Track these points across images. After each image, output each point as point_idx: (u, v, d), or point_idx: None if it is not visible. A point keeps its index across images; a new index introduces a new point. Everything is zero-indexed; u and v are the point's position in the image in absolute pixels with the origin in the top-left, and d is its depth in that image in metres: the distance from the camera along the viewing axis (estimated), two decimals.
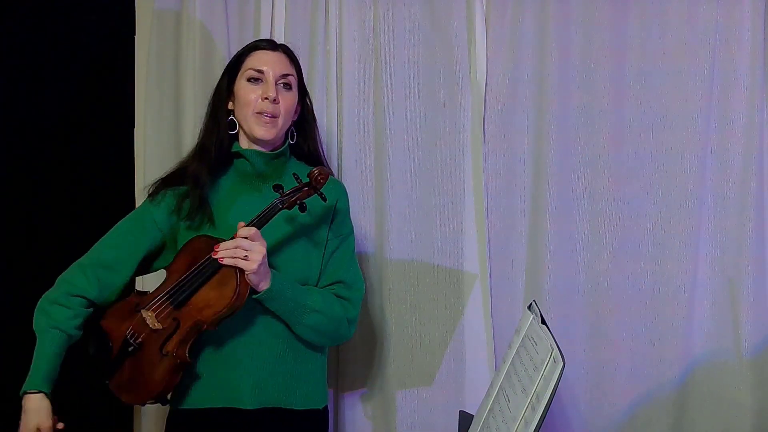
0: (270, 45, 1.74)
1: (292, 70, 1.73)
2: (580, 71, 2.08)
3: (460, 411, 1.73)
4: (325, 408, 1.78)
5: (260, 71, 1.69)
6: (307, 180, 1.61)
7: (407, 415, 2.14)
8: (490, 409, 1.46)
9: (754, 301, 2.02)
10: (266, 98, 1.67)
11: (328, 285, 1.73)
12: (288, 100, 1.70)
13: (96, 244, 1.71)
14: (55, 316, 1.64)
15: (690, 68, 2.04)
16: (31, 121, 2.21)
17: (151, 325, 1.60)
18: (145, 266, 1.74)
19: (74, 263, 1.70)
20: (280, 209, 1.60)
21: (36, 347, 1.64)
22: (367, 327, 2.16)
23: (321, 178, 1.60)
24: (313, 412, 1.74)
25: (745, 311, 2.02)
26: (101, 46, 2.27)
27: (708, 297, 2.06)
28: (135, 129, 2.23)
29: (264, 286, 1.58)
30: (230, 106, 1.73)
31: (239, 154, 1.73)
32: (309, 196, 1.62)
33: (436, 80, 2.13)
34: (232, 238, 1.56)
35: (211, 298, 1.57)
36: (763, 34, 2.01)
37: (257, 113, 1.68)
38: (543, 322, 1.40)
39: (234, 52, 2.16)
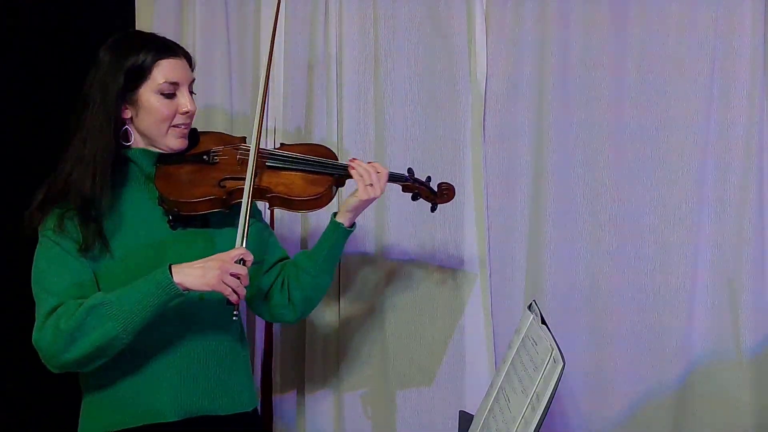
0: (175, 50, 1.57)
1: (193, 75, 1.61)
2: (579, 71, 2.08)
3: (460, 411, 1.73)
4: (255, 410, 1.70)
5: (175, 84, 1.54)
6: (436, 190, 1.76)
7: (407, 415, 2.14)
8: (490, 409, 1.46)
9: (754, 301, 2.02)
10: (186, 112, 1.56)
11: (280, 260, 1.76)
12: (195, 107, 1.59)
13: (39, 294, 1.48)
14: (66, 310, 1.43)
15: (690, 69, 2.04)
16: (29, 122, 2.21)
17: (237, 158, 1.64)
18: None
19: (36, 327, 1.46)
20: (408, 180, 1.72)
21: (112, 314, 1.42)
22: (367, 327, 2.16)
23: (447, 197, 1.77)
24: (241, 415, 1.63)
25: (745, 312, 2.02)
26: (101, 46, 2.26)
27: (708, 297, 2.06)
28: None
29: (351, 221, 1.68)
30: (126, 114, 1.54)
31: (125, 158, 1.56)
32: (427, 198, 1.76)
33: (436, 80, 2.13)
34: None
35: (296, 184, 1.64)
36: (763, 35, 2.01)
37: (174, 127, 1.56)
38: (543, 322, 1.40)
39: (234, 52, 2.19)
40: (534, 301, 1.55)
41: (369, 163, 1.68)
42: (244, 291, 1.46)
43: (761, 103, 2.01)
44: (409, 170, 1.76)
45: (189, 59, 1.61)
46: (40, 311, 1.46)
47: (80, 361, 1.44)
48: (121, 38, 1.58)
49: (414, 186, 1.74)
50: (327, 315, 2.16)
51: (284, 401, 2.22)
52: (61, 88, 2.24)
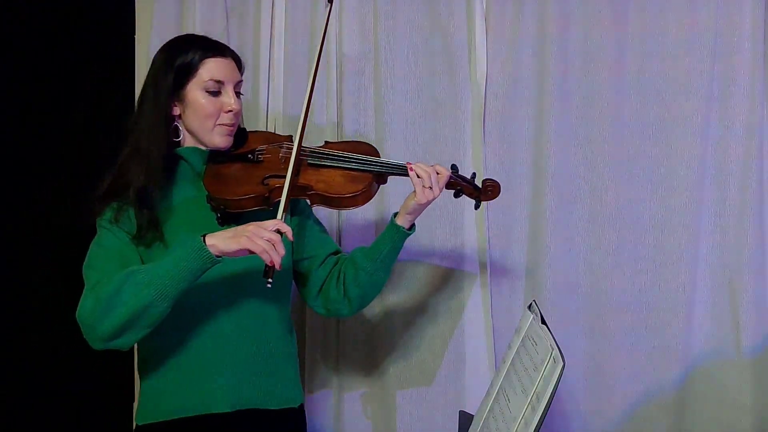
0: (223, 50, 1.64)
1: (240, 76, 1.67)
2: (579, 71, 2.08)
3: (460, 411, 1.73)
4: (301, 406, 1.74)
5: (220, 82, 1.60)
6: (480, 186, 1.73)
7: (407, 415, 2.14)
8: (490, 409, 1.46)
9: (754, 301, 2.02)
10: (230, 111, 1.61)
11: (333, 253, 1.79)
12: (241, 107, 1.65)
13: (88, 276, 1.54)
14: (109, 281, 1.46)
15: (690, 68, 2.04)
16: (29, 122, 2.21)
17: (280, 156, 1.67)
18: None
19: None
20: (451, 177, 1.69)
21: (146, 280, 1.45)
22: (367, 327, 2.16)
23: (492, 194, 1.73)
24: (290, 411, 1.69)
25: (745, 311, 2.02)
26: (101, 46, 2.27)
27: (708, 297, 2.06)
28: None
29: (411, 222, 1.69)
30: (175, 111, 1.61)
31: (177, 156, 1.64)
32: (470, 195, 1.74)
33: (436, 80, 2.13)
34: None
35: (335, 181, 1.65)
36: (763, 34, 2.01)
37: (219, 125, 1.62)
38: (543, 322, 1.40)
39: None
40: (534, 301, 1.55)
41: (432, 165, 1.67)
42: (279, 257, 1.44)
43: (761, 102, 2.01)
44: (453, 166, 1.74)
45: (238, 61, 1.67)
46: (86, 287, 1.50)
47: (117, 331, 1.46)
48: (174, 39, 1.67)
49: (457, 182, 1.71)
50: (326, 315, 2.16)
51: None
52: (61, 88, 2.25)
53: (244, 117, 2.19)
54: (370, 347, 2.17)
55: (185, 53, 1.59)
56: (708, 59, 2.03)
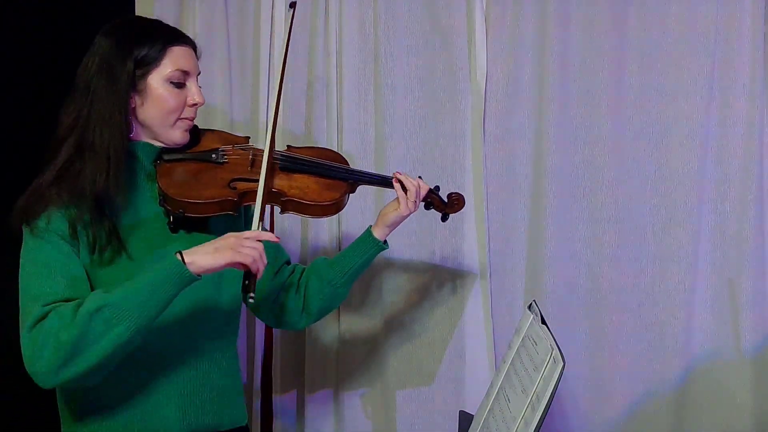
0: (185, 37, 1.49)
1: (199, 66, 1.52)
2: (579, 71, 2.08)
3: (460, 411, 1.73)
4: (247, 426, 1.62)
5: (186, 73, 1.45)
6: (446, 200, 1.73)
7: (407, 415, 2.14)
8: (490, 409, 1.46)
9: (754, 301, 2.02)
10: (194, 104, 1.47)
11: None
12: (203, 99, 1.51)
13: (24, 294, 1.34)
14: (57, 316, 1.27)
15: (690, 68, 2.04)
16: (29, 122, 2.21)
17: (247, 159, 1.54)
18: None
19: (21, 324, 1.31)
20: (427, 194, 1.69)
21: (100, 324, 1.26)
22: (367, 327, 2.16)
23: (457, 206, 1.74)
24: (239, 429, 1.57)
25: (745, 311, 2.02)
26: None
27: (708, 297, 2.06)
28: None
29: (387, 235, 1.66)
30: (132, 103, 1.43)
31: (128, 153, 1.43)
32: (437, 208, 1.73)
33: (436, 80, 2.13)
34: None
35: (310, 188, 1.56)
36: (763, 34, 2.01)
37: (182, 119, 1.47)
38: (543, 322, 1.40)
39: (234, 52, 2.18)
40: (534, 301, 1.55)
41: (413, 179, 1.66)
42: (263, 267, 1.33)
43: (761, 102, 2.01)
44: (419, 178, 1.70)
45: (195, 49, 1.52)
46: (25, 323, 1.29)
47: (85, 374, 1.28)
48: (125, 23, 1.48)
49: (429, 195, 1.70)
50: (327, 315, 2.16)
51: (284, 401, 2.22)
52: (60, 87, 2.25)
53: (244, 117, 2.21)
54: (370, 347, 2.17)
55: (145, 39, 1.42)
56: (708, 59, 2.03)
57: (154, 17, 2.16)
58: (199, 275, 1.31)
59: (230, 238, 1.33)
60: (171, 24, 2.16)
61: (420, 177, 1.71)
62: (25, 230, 1.38)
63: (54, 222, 1.36)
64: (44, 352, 1.26)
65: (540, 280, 2.10)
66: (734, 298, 2.03)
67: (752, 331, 2.02)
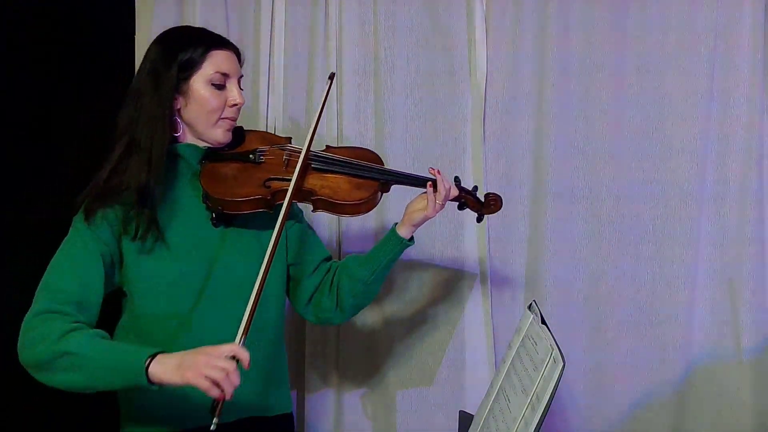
0: (226, 43, 1.59)
1: (241, 70, 1.63)
2: (579, 72, 2.08)
3: (460, 411, 1.73)
4: (292, 413, 1.72)
5: (226, 75, 1.56)
6: (483, 200, 1.72)
7: (407, 415, 2.14)
8: (490, 409, 1.46)
9: (754, 301, 2.02)
10: (234, 105, 1.57)
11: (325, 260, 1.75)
12: (243, 99, 1.61)
13: (45, 281, 1.46)
14: (52, 326, 1.38)
15: (690, 67, 2.04)
16: (30, 122, 2.21)
17: (284, 159, 1.63)
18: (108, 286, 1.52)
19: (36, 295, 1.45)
20: (462, 194, 1.68)
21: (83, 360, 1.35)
22: (367, 327, 2.16)
23: (494, 207, 1.73)
24: (284, 416, 1.67)
25: (745, 311, 2.03)
26: (101, 46, 2.26)
27: (708, 297, 2.06)
28: None
29: (412, 233, 1.68)
30: (177, 104, 1.54)
31: (175, 153, 1.57)
32: (473, 208, 1.72)
33: (436, 80, 2.13)
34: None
35: (341, 187, 1.62)
36: (763, 34, 2.01)
37: (223, 119, 1.57)
38: (543, 322, 1.40)
39: None
40: (534, 301, 1.55)
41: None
42: (231, 389, 1.29)
43: (761, 103, 2.02)
44: (456, 178, 1.71)
45: (239, 54, 1.62)
46: (34, 305, 1.42)
47: (48, 384, 1.40)
48: (172, 31, 1.61)
49: (461, 195, 1.70)
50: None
51: None
52: (61, 87, 2.25)
53: (245, 117, 2.20)
54: (370, 347, 2.17)
55: (189, 44, 1.54)
56: (708, 61, 2.03)
57: (155, 17, 2.17)
58: (156, 384, 1.32)
59: (201, 355, 1.31)
60: (171, 24, 2.18)
61: (457, 177, 1.72)
62: (75, 223, 1.50)
63: (104, 220, 1.48)
64: (26, 349, 1.39)
65: (540, 280, 2.10)
66: (734, 298, 2.03)
67: (752, 331, 2.02)
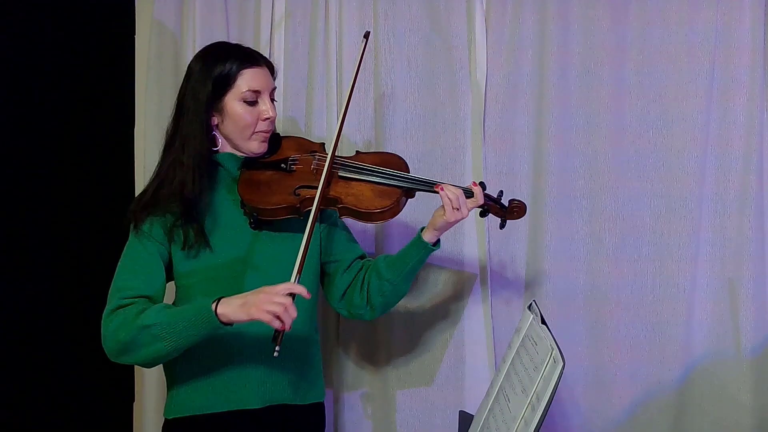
0: (258, 59, 1.69)
1: (274, 83, 1.73)
2: (580, 71, 2.08)
3: (460, 411, 1.73)
4: (323, 403, 1.80)
5: (257, 92, 1.66)
6: (507, 206, 1.75)
7: (407, 415, 2.14)
8: (490, 409, 1.46)
9: (754, 301, 2.02)
10: (267, 119, 1.67)
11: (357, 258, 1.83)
12: (276, 113, 1.71)
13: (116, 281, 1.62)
14: (129, 311, 1.54)
15: (690, 68, 2.04)
16: (30, 121, 2.21)
17: (312, 167, 1.71)
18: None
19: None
20: (483, 201, 1.71)
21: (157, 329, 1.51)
22: (368, 327, 2.16)
23: (517, 214, 1.76)
24: (316, 405, 1.76)
25: (745, 311, 2.02)
26: (101, 46, 2.27)
27: (708, 297, 2.06)
28: (135, 129, 2.23)
29: (436, 238, 1.73)
30: (214, 120, 1.67)
31: (215, 162, 1.70)
32: (497, 214, 1.76)
33: (436, 80, 2.12)
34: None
35: (365, 195, 1.70)
36: (763, 35, 2.01)
37: (257, 132, 1.68)
38: (543, 322, 1.40)
39: None
40: (534, 301, 1.55)
41: (462, 187, 1.71)
42: (290, 320, 1.46)
43: (761, 100, 2.01)
44: (481, 184, 1.73)
45: (271, 68, 1.72)
46: (106, 308, 1.57)
47: (140, 364, 1.60)
48: (210, 48, 1.70)
49: (484, 202, 1.73)
50: (327, 315, 2.16)
51: None
52: (61, 87, 2.25)
53: None
54: (370, 347, 2.17)
55: (222, 64, 1.63)
56: (708, 59, 2.03)
57: (154, 17, 2.17)
58: (227, 323, 1.49)
59: (261, 293, 1.48)
60: (171, 24, 2.19)
61: (481, 182, 1.73)
62: (131, 230, 1.64)
63: (152, 227, 1.62)
64: (109, 340, 1.54)
65: (540, 280, 2.10)
66: (734, 298, 2.03)
67: (752, 330, 2.02)
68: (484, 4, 2.11)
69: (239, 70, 1.64)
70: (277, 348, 1.47)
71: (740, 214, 2.03)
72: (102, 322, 1.56)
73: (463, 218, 1.69)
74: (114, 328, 1.53)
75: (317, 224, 1.75)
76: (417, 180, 1.73)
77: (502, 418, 1.36)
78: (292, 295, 1.48)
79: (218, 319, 1.47)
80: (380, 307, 1.77)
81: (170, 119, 1.69)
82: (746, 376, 2.03)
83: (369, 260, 1.83)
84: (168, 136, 1.68)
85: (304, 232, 1.60)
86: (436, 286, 2.14)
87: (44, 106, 2.23)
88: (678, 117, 2.05)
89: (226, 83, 1.63)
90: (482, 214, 1.78)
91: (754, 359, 2.02)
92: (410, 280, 1.78)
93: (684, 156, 2.05)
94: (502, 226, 1.79)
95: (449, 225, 1.70)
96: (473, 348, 2.13)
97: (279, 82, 2.16)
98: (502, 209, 1.76)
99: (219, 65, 1.63)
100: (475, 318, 2.13)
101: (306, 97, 2.16)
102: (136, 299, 1.56)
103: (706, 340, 2.06)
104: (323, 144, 1.80)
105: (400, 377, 2.15)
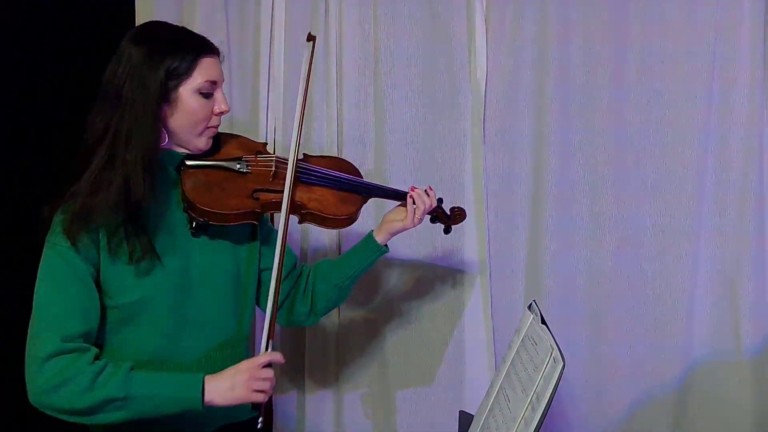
0: (213, 47, 1.50)
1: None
2: (580, 71, 2.08)
3: (460, 411, 1.73)
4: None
5: (215, 83, 1.48)
6: (449, 214, 1.79)
7: (407, 415, 2.14)
8: (490, 409, 1.46)
9: (754, 301, 2.02)
10: (221, 112, 1.50)
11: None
12: (229, 107, 1.54)
13: (38, 314, 1.36)
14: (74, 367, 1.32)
15: (690, 68, 2.04)
16: (30, 121, 2.21)
17: (269, 171, 1.58)
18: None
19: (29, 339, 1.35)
20: (435, 209, 1.73)
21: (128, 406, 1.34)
22: (367, 327, 2.16)
23: (459, 218, 1.80)
24: (251, 420, 1.53)
25: (745, 311, 2.02)
26: (100, 46, 2.26)
27: (708, 297, 2.06)
28: None
29: (388, 240, 1.70)
30: (163, 113, 1.44)
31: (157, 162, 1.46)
32: (442, 221, 1.79)
33: (436, 80, 2.13)
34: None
35: (329, 201, 1.63)
36: (763, 36, 2.01)
37: (208, 128, 1.50)
38: (543, 322, 1.40)
39: (234, 53, 2.18)
40: (534, 301, 1.55)
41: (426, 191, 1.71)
42: (272, 391, 1.44)
43: (761, 104, 2.01)
44: (430, 190, 1.74)
45: (219, 56, 1.52)
46: (39, 350, 1.32)
47: (67, 420, 1.36)
48: (153, 31, 1.48)
49: (436, 209, 1.76)
50: (327, 315, 2.16)
51: (284, 401, 2.22)
52: (61, 87, 2.25)
53: (244, 116, 2.21)
54: (370, 347, 2.17)
55: (177, 50, 1.43)
56: (708, 61, 2.03)
57: (154, 17, 2.17)
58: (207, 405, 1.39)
59: (244, 373, 1.40)
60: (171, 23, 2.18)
61: (430, 188, 1.74)
62: (51, 242, 1.39)
63: (82, 244, 1.38)
64: (43, 392, 1.32)
65: (540, 280, 2.10)
66: (734, 299, 2.03)
67: (752, 331, 2.02)
68: (484, 4, 2.11)
69: (197, 58, 1.44)
70: (261, 419, 1.43)
71: (740, 215, 2.03)
72: (32, 364, 1.31)
73: (417, 225, 1.70)
74: (58, 385, 1.30)
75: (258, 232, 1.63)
76: (381, 187, 1.74)
77: (502, 418, 1.36)
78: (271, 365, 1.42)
79: (202, 404, 1.36)
80: (322, 313, 1.73)
81: (95, 109, 1.43)
82: (746, 376, 2.03)
83: (306, 266, 1.76)
84: (96, 130, 1.40)
85: (237, 237, 1.53)
86: (436, 285, 2.14)
87: (44, 107, 2.23)
88: (678, 116, 2.05)
89: (180, 73, 1.42)
90: (432, 221, 1.79)
91: (754, 359, 2.03)
92: (354, 284, 1.72)
93: (684, 156, 2.05)
94: (446, 231, 1.81)
95: (404, 230, 1.70)
96: (473, 348, 2.13)
97: (279, 83, 2.18)
98: (446, 216, 1.79)
99: (172, 52, 1.42)
100: (475, 318, 2.13)
101: (298, 117, 2.15)
102: (78, 342, 1.34)
103: (706, 341, 2.06)
104: (266, 144, 1.68)
105: (400, 377, 2.15)
